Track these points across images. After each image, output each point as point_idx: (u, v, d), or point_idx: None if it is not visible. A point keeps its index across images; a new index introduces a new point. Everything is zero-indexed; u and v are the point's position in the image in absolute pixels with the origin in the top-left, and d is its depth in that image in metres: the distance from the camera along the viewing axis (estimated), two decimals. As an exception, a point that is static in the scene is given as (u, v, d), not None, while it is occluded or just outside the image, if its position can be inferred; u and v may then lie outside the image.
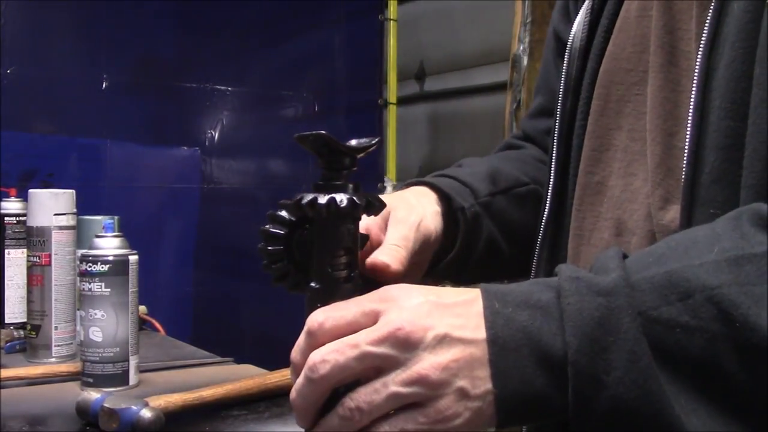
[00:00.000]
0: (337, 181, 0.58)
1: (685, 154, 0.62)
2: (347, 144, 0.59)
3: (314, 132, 0.56)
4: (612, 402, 0.48)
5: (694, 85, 0.62)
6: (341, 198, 0.56)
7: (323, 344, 0.53)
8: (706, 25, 0.62)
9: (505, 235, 0.84)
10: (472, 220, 0.81)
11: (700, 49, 0.62)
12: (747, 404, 0.48)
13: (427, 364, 0.51)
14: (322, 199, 0.56)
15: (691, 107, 0.62)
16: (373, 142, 0.60)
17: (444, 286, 0.75)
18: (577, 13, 0.81)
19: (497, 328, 0.51)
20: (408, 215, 0.72)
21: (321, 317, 0.54)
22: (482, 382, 0.51)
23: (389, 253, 0.66)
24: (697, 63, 0.62)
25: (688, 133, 0.62)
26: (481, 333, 0.51)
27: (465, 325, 0.52)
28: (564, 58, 0.84)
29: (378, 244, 0.68)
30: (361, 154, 0.59)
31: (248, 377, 0.98)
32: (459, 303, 0.53)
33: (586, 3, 0.78)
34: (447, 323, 0.52)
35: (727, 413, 0.48)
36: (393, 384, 0.51)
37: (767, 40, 0.58)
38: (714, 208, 0.60)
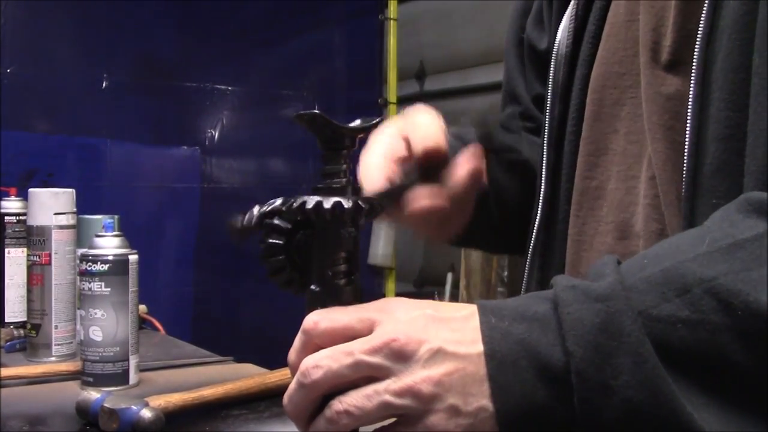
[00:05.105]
0: (336, 164, 0.57)
1: (686, 147, 0.62)
2: (350, 125, 0.58)
3: (310, 111, 0.56)
4: (622, 407, 0.48)
5: (692, 78, 0.62)
6: (346, 202, 0.55)
7: (317, 344, 0.53)
8: (702, 18, 0.62)
9: (495, 193, 0.82)
10: None
11: (697, 42, 0.62)
12: (758, 392, 0.48)
13: (418, 377, 0.50)
14: (327, 204, 0.55)
15: (690, 100, 0.62)
16: (374, 122, 0.60)
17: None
18: (551, 20, 0.80)
19: (494, 343, 0.50)
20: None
21: (317, 317, 0.54)
22: (475, 399, 0.50)
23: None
24: (695, 56, 0.63)
25: (688, 125, 0.62)
26: (476, 348, 0.51)
27: (461, 340, 0.51)
28: (533, 62, 0.82)
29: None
30: (360, 135, 0.59)
31: (248, 377, 0.98)
32: (456, 318, 0.53)
33: (569, 9, 0.77)
34: (442, 337, 0.51)
35: (739, 404, 0.48)
36: (385, 393, 0.50)
37: (764, 29, 0.58)
38: (716, 198, 0.60)
